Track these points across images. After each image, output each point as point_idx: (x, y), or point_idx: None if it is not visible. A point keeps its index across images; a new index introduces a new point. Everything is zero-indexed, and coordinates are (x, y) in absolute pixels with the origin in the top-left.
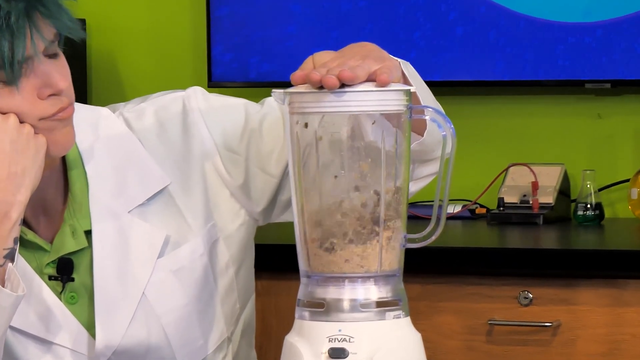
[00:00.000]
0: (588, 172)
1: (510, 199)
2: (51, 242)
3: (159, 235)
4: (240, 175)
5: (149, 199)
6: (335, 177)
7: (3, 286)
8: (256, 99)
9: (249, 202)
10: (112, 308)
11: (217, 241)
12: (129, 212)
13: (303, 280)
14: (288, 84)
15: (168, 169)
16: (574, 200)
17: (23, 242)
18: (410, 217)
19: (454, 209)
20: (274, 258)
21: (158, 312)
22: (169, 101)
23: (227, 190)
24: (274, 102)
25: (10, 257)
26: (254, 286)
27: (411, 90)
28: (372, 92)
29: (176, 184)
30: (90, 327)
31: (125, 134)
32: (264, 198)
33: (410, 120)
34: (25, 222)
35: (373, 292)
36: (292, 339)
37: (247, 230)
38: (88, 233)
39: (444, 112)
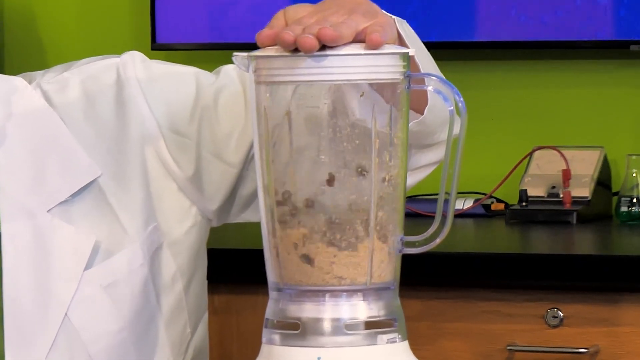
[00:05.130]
0: (634, 157)
1: (535, 191)
2: None
3: (87, 240)
4: (190, 164)
5: (74, 195)
6: (313, 164)
7: None
8: (211, 65)
9: (202, 197)
10: (27, 333)
11: (161, 248)
12: (48, 211)
13: (272, 294)
14: (253, 46)
15: (98, 157)
16: (616, 193)
17: None
18: (409, 215)
19: (464, 204)
20: (234, 267)
21: (84, 339)
22: (99, 69)
23: (173, 183)
24: (233, 71)
25: None
26: (207, 303)
27: (409, 54)
28: (360, 56)
29: (108, 176)
30: None
31: (44, 111)
32: (220, 192)
33: (409, 92)
34: None
35: (361, 309)
36: None
37: (198, 233)
38: None
39: (450, 82)
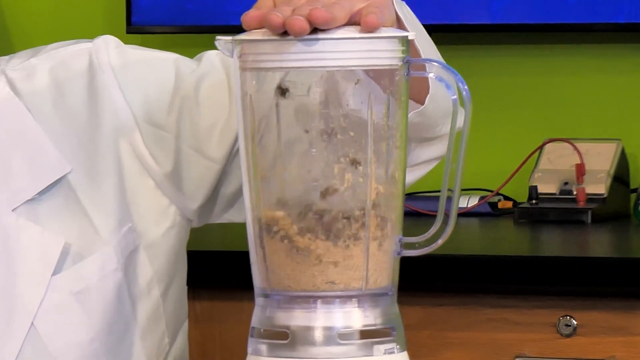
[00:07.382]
0: None
1: (546, 188)
2: None
3: (55, 242)
4: (168, 160)
5: (42, 193)
6: (303, 158)
7: None
8: (192, 51)
9: (181, 196)
10: None
11: (136, 251)
12: (13, 210)
13: (259, 300)
14: (238, 29)
15: (68, 151)
16: (635, 190)
17: None
18: (408, 214)
19: (469, 202)
20: (217, 271)
21: (52, 350)
22: (70, 55)
23: (150, 180)
24: (216, 57)
25: None
26: (187, 311)
27: (409, 38)
28: (355, 39)
29: (79, 172)
30: None
31: (9, 101)
32: (201, 190)
33: (408, 80)
34: None
35: (356, 317)
36: None
37: (178, 235)
38: None
39: (453, 69)
